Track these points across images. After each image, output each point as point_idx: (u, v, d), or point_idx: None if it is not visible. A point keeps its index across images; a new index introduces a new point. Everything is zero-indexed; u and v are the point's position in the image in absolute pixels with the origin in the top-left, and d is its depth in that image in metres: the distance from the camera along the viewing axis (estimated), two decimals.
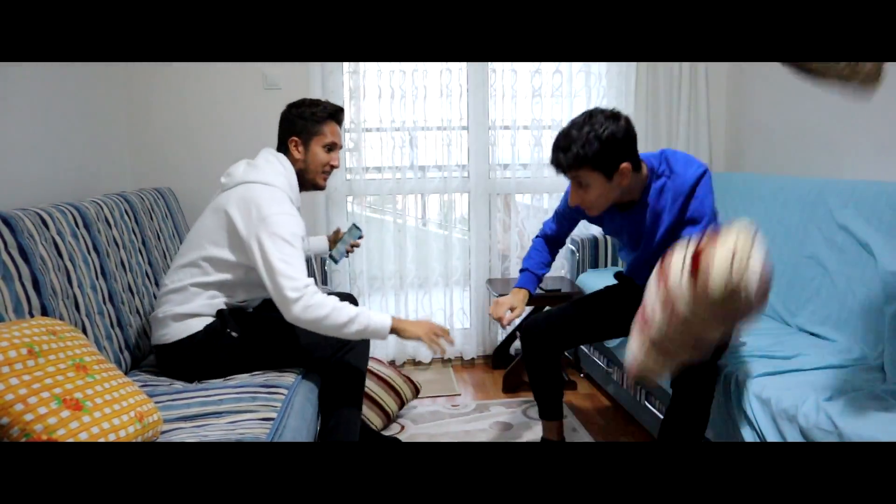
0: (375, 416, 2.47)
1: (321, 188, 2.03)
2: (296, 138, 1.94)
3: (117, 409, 1.32)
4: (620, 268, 3.11)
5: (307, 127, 1.93)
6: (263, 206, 1.76)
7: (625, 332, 2.07)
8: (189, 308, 1.83)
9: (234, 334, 1.85)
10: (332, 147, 1.97)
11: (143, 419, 1.36)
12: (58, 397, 1.23)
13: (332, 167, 2.00)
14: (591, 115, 1.67)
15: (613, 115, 1.67)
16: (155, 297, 2.23)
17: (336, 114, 1.97)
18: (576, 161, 1.64)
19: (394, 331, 1.81)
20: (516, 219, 3.35)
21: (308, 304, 1.69)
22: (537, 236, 2.25)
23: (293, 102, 1.98)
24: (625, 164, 1.66)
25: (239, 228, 1.77)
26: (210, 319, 1.86)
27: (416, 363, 3.30)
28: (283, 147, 1.97)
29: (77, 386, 1.28)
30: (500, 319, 1.99)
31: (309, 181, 1.98)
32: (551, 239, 2.23)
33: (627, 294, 2.09)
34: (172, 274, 1.89)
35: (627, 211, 1.85)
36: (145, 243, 2.25)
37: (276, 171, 1.89)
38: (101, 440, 1.25)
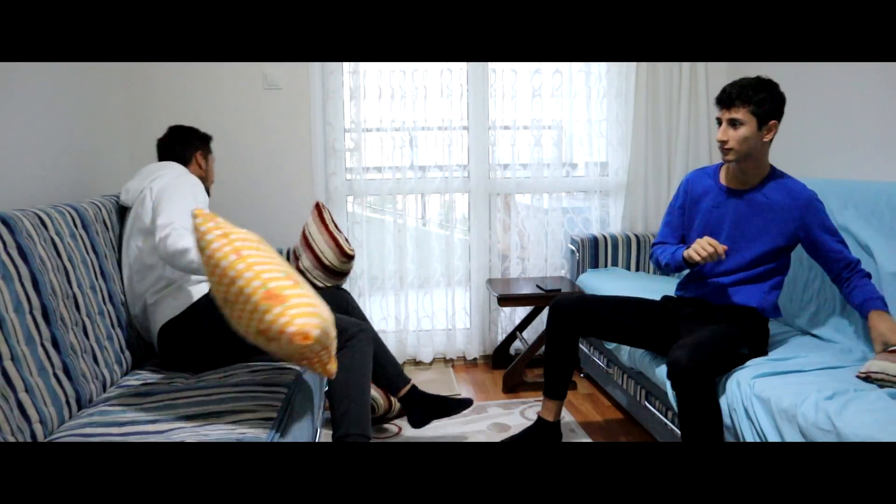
0: (381, 397, 2.52)
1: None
2: (200, 152, 2.25)
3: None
4: (623, 269, 3.11)
5: (204, 145, 2.27)
6: (157, 188, 1.97)
7: (652, 346, 2.10)
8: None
9: None
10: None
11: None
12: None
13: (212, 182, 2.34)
14: (761, 78, 1.90)
15: (778, 87, 1.91)
16: None
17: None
18: (741, 96, 1.85)
19: None
20: (516, 219, 3.35)
21: (170, 235, 1.78)
22: (655, 244, 2.24)
23: (178, 126, 2.27)
24: (773, 121, 1.88)
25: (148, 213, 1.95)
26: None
27: (416, 363, 3.30)
28: (180, 159, 2.20)
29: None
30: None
31: (206, 189, 2.19)
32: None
33: (669, 315, 2.10)
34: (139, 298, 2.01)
35: (740, 195, 2.01)
36: None
37: (174, 173, 2.05)
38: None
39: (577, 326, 2.11)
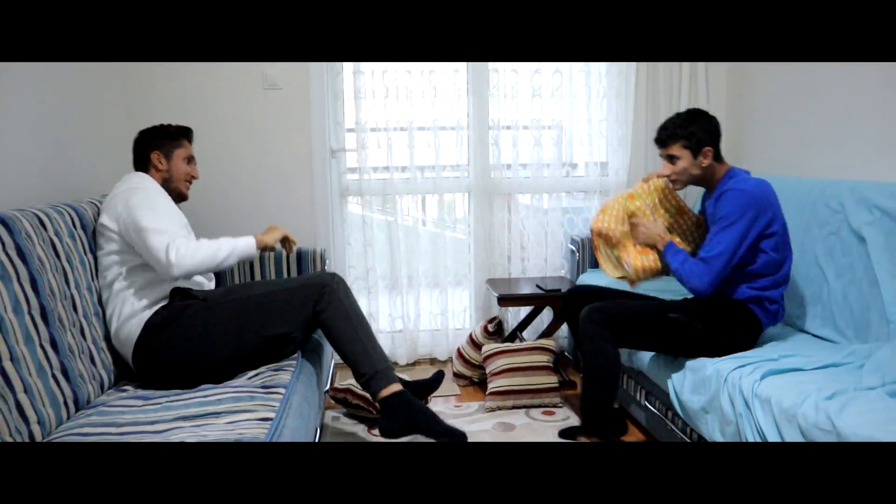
0: None
1: (185, 198, 2.19)
2: (157, 152, 2.10)
3: None
4: None
5: (166, 142, 2.12)
6: (121, 201, 1.92)
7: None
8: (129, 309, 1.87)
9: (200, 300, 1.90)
10: (191, 159, 2.19)
11: None
12: None
13: (193, 177, 2.20)
14: (689, 112, 2.12)
15: (706, 115, 2.10)
16: None
17: (188, 133, 2.20)
18: (670, 137, 2.08)
19: (259, 245, 2.04)
20: (517, 219, 3.34)
21: (180, 252, 1.82)
22: None
23: (144, 129, 2.17)
24: (707, 148, 2.06)
25: (115, 227, 1.90)
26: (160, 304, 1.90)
27: (419, 363, 3.30)
28: (142, 166, 2.12)
29: None
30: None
31: (173, 190, 2.13)
32: None
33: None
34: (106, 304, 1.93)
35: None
36: None
37: (131, 185, 2.00)
38: None
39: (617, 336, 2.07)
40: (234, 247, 1.96)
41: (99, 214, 1.96)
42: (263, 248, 2.06)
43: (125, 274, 1.89)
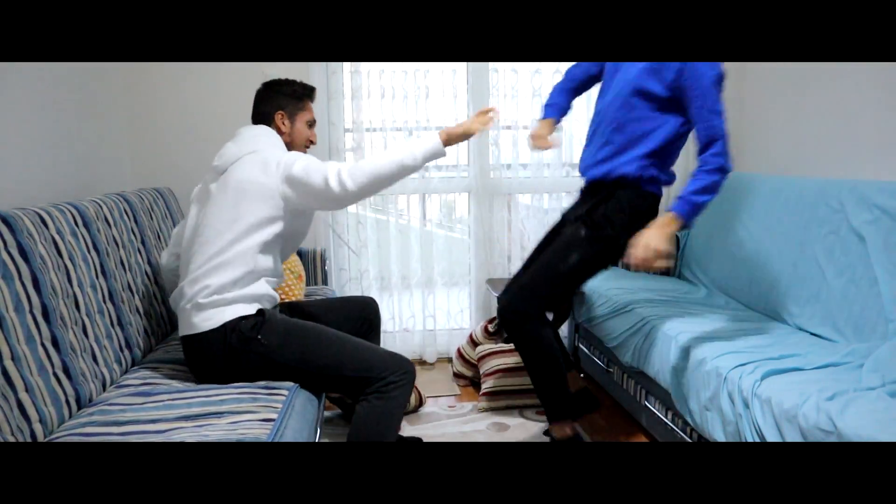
0: (413, 392, 2.58)
1: None
2: (282, 112, 2.01)
3: None
4: (623, 268, 3.11)
5: (291, 102, 2.02)
6: (273, 159, 1.85)
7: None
8: (235, 281, 1.78)
9: (263, 341, 1.77)
10: (313, 123, 2.08)
11: None
12: None
13: (312, 143, 2.09)
14: None
15: None
16: (155, 297, 2.23)
17: (312, 93, 2.08)
18: None
19: (447, 143, 1.94)
20: (517, 219, 3.35)
21: (350, 174, 1.83)
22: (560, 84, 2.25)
23: (270, 81, 2.06)
24: None
25: (266, 184, 1.82)
26: (249, 311, 1.79)
27: (420, 363, 3.30)
28: (263, 122, 2.03)
29: None
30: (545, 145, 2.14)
31: None
32: (574, 88, 2.26)
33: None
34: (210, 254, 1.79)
35: None
36: (144, 243, 2.25)
37: (270, 142, 1.94)
38: None
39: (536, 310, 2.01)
40: (420, 154, 1.89)
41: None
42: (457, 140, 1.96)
43: (260, 245, 1.81)
